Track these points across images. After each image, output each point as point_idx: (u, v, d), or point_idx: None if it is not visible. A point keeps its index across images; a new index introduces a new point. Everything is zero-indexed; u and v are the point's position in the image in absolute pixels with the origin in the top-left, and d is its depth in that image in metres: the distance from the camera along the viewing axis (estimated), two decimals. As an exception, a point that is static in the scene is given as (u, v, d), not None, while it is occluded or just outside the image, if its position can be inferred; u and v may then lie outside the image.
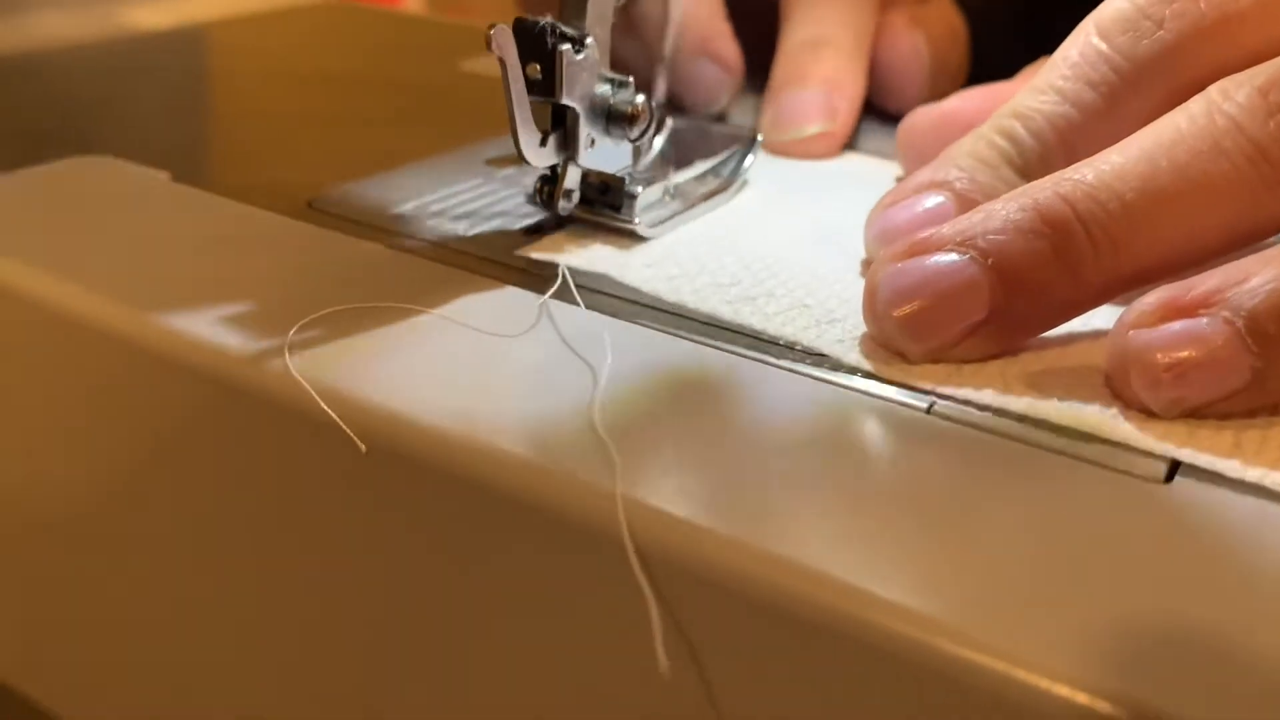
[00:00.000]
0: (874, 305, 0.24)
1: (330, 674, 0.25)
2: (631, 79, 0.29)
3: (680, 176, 0.32)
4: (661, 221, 0.30)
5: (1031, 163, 0.26)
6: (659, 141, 0.32)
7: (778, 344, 0.25)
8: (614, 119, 0.28)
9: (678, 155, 0.34)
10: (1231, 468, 0.20)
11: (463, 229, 0.30)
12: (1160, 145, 0.23)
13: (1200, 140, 0.23)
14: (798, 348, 0.24)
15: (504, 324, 0.25)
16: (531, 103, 0.27)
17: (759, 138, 0.34)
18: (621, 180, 0.30)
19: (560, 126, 0.28)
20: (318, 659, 0.25)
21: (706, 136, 0.36)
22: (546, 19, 0.27)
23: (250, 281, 0.27)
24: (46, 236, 0.29)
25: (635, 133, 0.29)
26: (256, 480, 0.25)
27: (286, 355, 0.23)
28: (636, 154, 0.30)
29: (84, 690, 0.30)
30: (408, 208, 0.31)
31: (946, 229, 0.23)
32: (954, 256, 0.23)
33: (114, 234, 0.29)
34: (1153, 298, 0.22)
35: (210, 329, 0.25)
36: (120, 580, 0.28)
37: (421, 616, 0.23)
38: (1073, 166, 0.24)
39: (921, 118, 0.33)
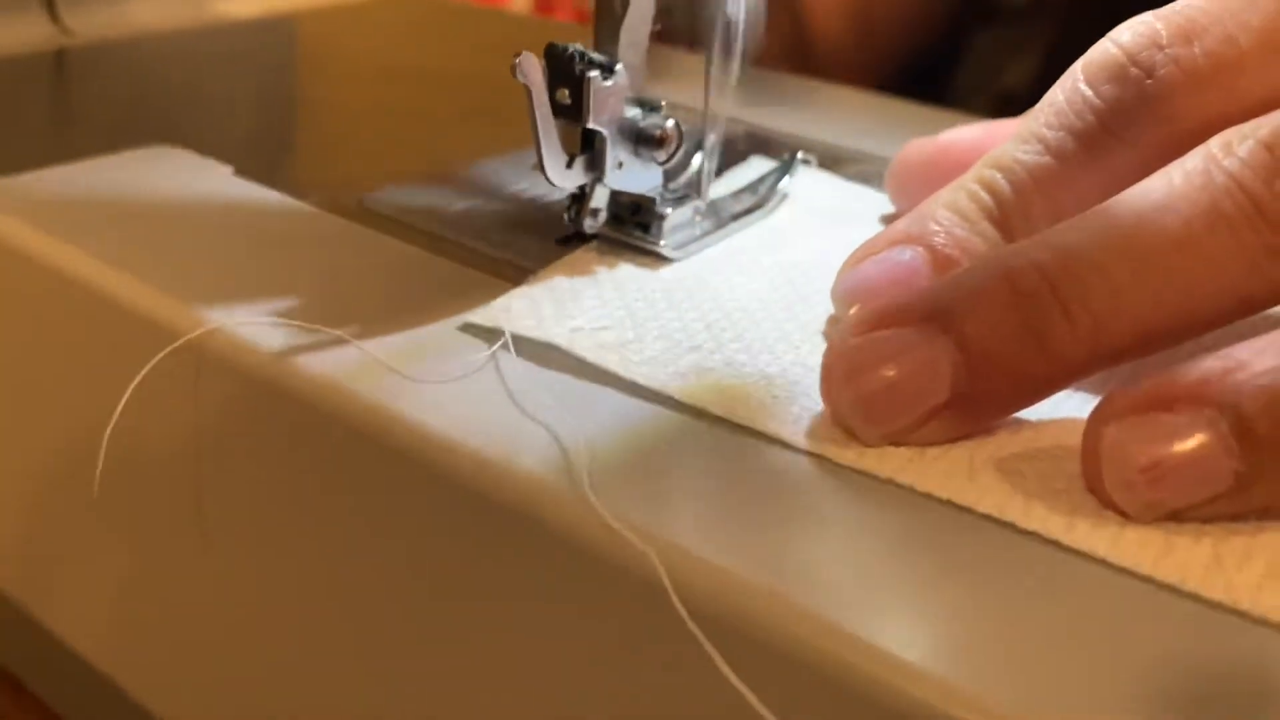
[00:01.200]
0: (828, 384, 0.22)
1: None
2: (663, 103, 0.30)
3: (713, 195, 0.33)
4: (690, 242, 0.31)
5: (1012, 218, 0.25)
6: (697, 158, 0.33)
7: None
8: (643, 141, 0.29)
9: (718, 170, 0.35)
10: (1213, 587, 0.19)
11: (502, 236, 0.31)
12: (1149, 205, 0.21)
13: (1195, 200, 0.21)
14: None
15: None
16: (562, 125, 0.28)
17: (800, 156, 0.35)
18: (652, 200, 0.30)
19: (589, 149, 0.29)
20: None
21: (748, 151, 0.37)
22: (576, 46, 0.28)
23: (275, 281, 0.28)
24: (100, 226, 0.30)
25: (663, 155, 0.29)
26: (301, 485, 0.26)
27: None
28: (670, 173, 0.31)
29: (176, 688, 0.32)
30: (457, 209, 0.33)
31: (906, 299, 0.22)
32: (912, 333, 0.21)
33: (162, 227, 0.31)
34: (1129, 389, 0.20)
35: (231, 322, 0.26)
36: (212, 581, 0.30)
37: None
38: (1052, 229, 0.22)
39: (914, 152, 0.32)
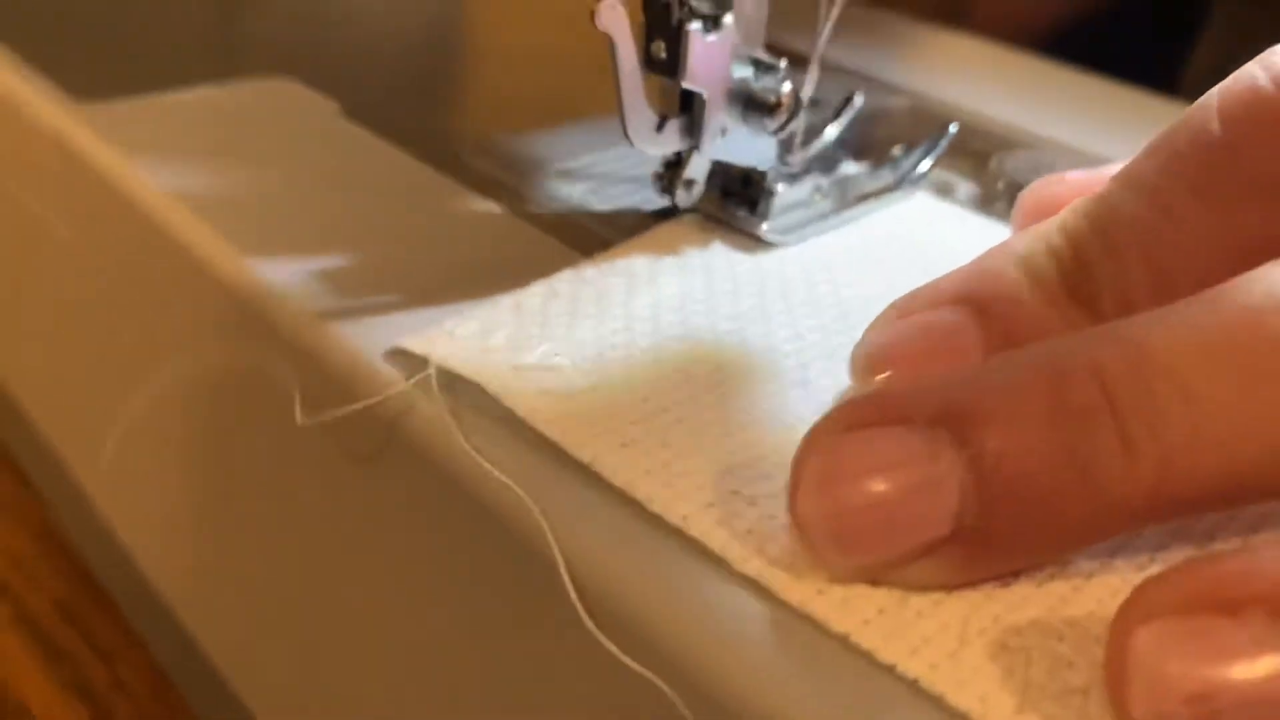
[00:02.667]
0: (795, 489, 0.17)
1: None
2: (783, 62, 0.26)
3: (842, 172, 0.29)
4: (800, 227, 0.27)
5: (1102, 289, 0.19)
6: (833, 130, 0.29)
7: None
8: (752, 107, 0.26)
9: (860, 143, 0.31)
10: None
11: (597, 201, 0.28)
12: (1273, 299, 0.15)
13: None
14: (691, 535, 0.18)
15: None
16: (659, 82, 0.25)
17: (952, 128, 0.30)
18: (763, 174, 0.27)
19: (688, 111, 0.25)
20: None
21: (898, 121, 0.33)
22: (675, -10, 0.24)
23: (350, 236, 0.26)
24: (182, 159, 0.29)
25: (774, 125, 0.26)
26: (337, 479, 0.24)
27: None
28: (792, 143, 0.27)
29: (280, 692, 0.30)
30: (558, 168, 0.30)
31: (918, 388, 0.17)
32: (916, 437, 0.16)
33: (241, 166, 0.29)
34: (1172, 573, 0.15)
35: (286, 281, 0.24)
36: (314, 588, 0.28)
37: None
38: (1134, 318, 0.16)
39: (1045, 192, 0.25)
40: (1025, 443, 0.16)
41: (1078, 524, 0.16)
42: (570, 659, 0.19)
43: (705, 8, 0.24)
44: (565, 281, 0.24)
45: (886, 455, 0.16)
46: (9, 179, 0.35)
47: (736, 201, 0.27)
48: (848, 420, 0.17)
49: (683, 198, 0.26)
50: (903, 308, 0.21)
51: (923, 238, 0.27)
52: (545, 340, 0.22)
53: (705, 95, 0.25)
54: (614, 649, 0.17)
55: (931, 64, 0.39)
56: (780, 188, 0.27)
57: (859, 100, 0.30)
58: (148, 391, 0.31)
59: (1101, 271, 0.19)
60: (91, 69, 0.34)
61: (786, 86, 0.26)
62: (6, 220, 0.36)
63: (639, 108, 0.24)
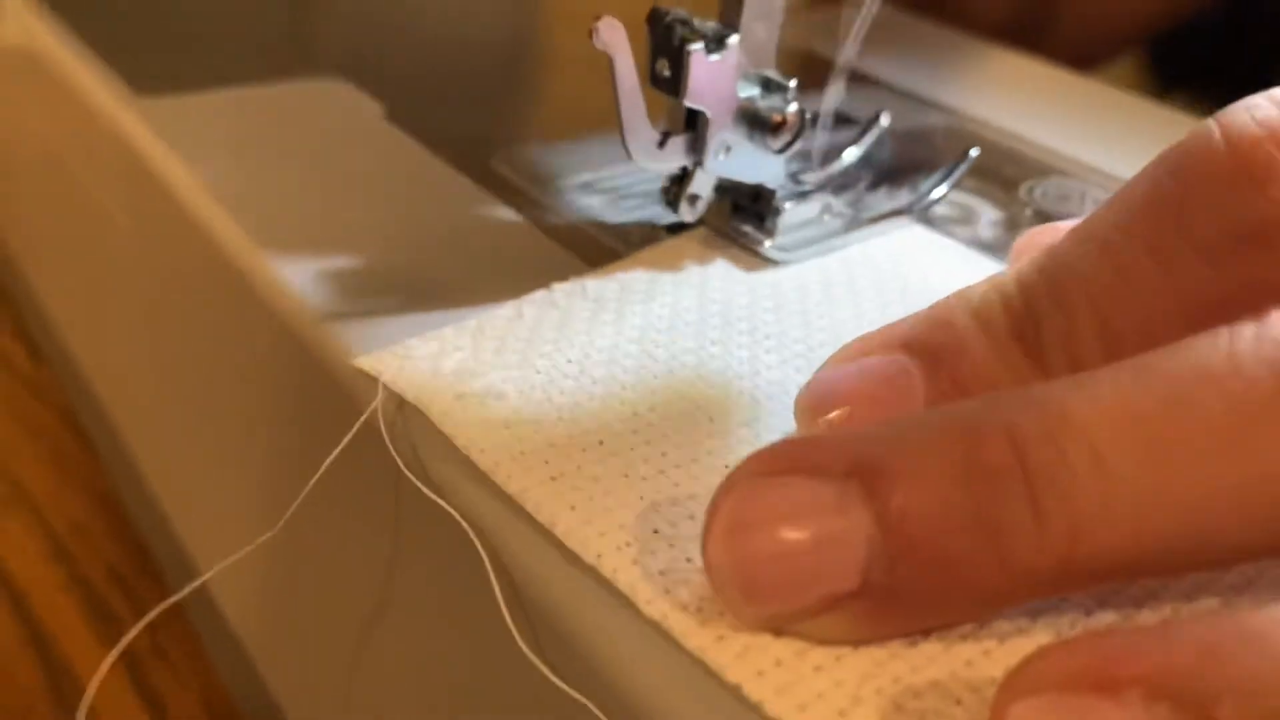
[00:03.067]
0: (706, 533, 0.16)
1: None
2: (793, 83, 0.26)
3: (858, 192, 0.29)
4: (805, 245, 0.27)
5: (1051, 344, 0.18)
6: (852, 152, 0.29)
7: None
8: (757, 125, 0.26)
9: (896, 162, 0.31)
10: None
11: (614, 213, 0.29)
12: (1195, 371, 0.15)
13: (1261, 379, 0.15)
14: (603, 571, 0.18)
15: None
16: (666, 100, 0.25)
17: (973, 152, 0.30)
18: (773, 192, 0.27)
19: (692, 128, 0.26)
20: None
21: (935, 141, 0.33)
22: (680, 12, 0.25)
23: (364, 236, 0.27)
24: (228, 155, 0.30)
25: (778, 144, 0.26)
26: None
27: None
28: (809, 161, 0.28)
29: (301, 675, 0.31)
30: (581, 179, 0.31)
31: (833, 441, 0.16)
32: (828, 489, 0.16)
33: (281, 165, 0.30)
34: (1061, 646, 0.14)
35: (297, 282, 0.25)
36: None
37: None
38: (1057, 381, 0.16)
39: (1037, 239, 0.24)
40: (932, 502, 0.15)
41: (984, 588, 0.16)
42: (512, 677, 0.19)
43: (708, 29, 0.25)
44: (533, 304, 0.24)
45: (797, 505, 0.16)
46: (79, 168, 0.37)
47: (745, 218, 0.27)
48: (765, 466, 0.17)
49: (687, 212, 0.27)
50: (853, 350, 0.21)
51: (913, 271, 0.27)
52: (498, 367, 0.22)
53: (709, 114, 0.25)
54: (540, 664, 0.18)
55: (980, 84, 0.38)
56: (788, 205, 0.27)
57: (885, 120, 0.30)
58: (194, 380, 0.32)
59: (1051, 326, 0.19)
60: (160, 63, 0.36)
61: (793, 107, 0.26)
62: (80, 207, 0.38)
63: (638, 125, 0.25)
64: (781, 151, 0.26)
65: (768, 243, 0.27)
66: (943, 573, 0.16)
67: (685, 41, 0.24)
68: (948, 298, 0.21)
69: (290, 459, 0.26)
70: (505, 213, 0.29)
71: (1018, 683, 0.14)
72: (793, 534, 0.16)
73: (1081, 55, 0.49)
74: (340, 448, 0.22)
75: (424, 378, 0.22)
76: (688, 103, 0.25)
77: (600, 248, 0.27)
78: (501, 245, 0.28)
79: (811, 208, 0.27)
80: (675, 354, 0.23)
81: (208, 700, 0.36)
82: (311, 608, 0.27)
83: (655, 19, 0.25)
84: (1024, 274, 0.20)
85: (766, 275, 0.26)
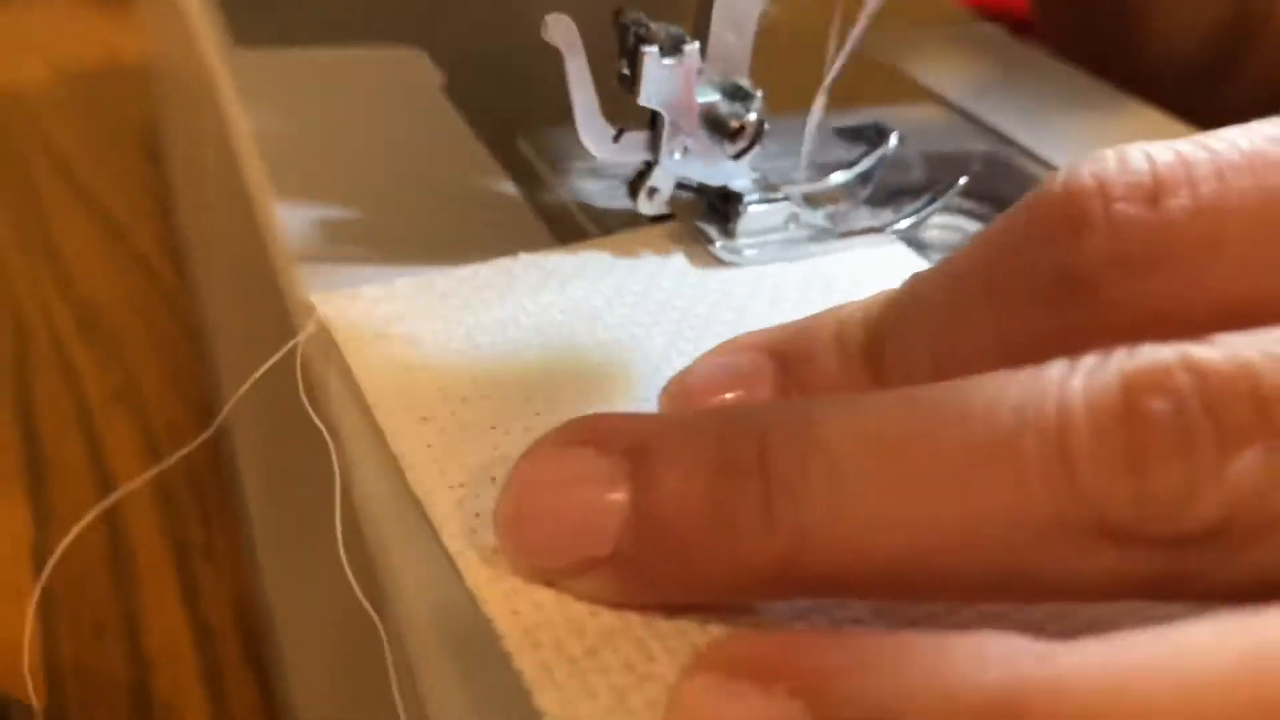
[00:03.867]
0: (502, 493, 0.18)
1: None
2: (759, 94, 0.27)
3: (840, 205, 0.29)
4: (762, 250, 0.28)
5: (892, 367, 0.20)
6: (841, 172, 0.30)
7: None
8: (716, 129, 0.27)
9: (893, 184, 0.31)
10: None
11: (607, 200, 0.31)
12: (954, 405, 0.16)
13: (1000, 421, 0.15)
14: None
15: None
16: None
17: (961, 180, 0.30)
18: (739, 195, 0.28)
19: (653, 126, 0.27)
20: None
21: (948, 168, 0.33)
22: (637, 16, 0.26)
23: (375, 196, 0.30)
24: (289, 109, 0.34)
25: (734, 149, 0.27)
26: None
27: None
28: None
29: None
30: (590, 164, 0.32)
31: (626, 422, 0.18)
32: (603, 461, 0.17)
33: (328, 123, 0.33)
34: (730, 638, 0.16)
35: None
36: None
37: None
38: (822, 398, 0.17)
39: None
40: (681, 489, 0.17)
41: (715, 577, 0.17)
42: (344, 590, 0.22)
43: (666, 33, 0.26)
44: (491, 268, 0.26)
45: (573, 473, 0.18)
46: (183, 113, 0.41)
47: (713, 217, 0.29)
48: (562, 436, 0.18)
49: (645, 205, 0.28)
50: (724, 348, 0.22)
51: (872, 289, 0.27)
52: (428, 318, 0.24)
53: (664, 114, 0.27)
54: (350, 575, 0.20)
55: (1073, 127, 0.38)
56: (752, 210, 0.28)
57: (893, 142, 0.30)
58: (233, 310, 0.36)
59: (892, 349, 0.20)
60: (266, 18, 0.39)
61: (752, 115, 0.27)
62: (190, 152, 0.42)
63: (590, 118, 0.26)
64: (738, 156, 0.27)
65: (719, 242, 0.28)
66: (680, 556, 0.17)
67: (640, 43, 0.26)
68: (823, 313, 0.22)
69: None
70: (508, 188, 0.31)
71: (700, 660, 0.16)
72: (562, 498, 0.18)
73: None
74: (265, 367, 0.24)
75: (358, 317, 0.24)
76: (641, 102, 0.26)
77: (579, 229, 0.29)
78: (494, 219, 0.30)
79: (776, 215, 0.28)
80: (595, 330, 0.25)
81: (238, 598, 0.40)
82: (252, 510, 0.30)
83: (617, 20, 0.26)
84: (889, 296, 0.21)
85: (721, 273, 0.27)
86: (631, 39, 0.26)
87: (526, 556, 0.18)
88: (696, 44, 0.26)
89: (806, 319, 0.22)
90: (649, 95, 0.26)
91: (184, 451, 0.26)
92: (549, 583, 0.18)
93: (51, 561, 0.26)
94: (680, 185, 0.28)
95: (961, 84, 0.40)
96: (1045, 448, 0.15)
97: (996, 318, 0.18)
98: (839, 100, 0.34)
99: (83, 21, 0.78)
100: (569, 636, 0.18)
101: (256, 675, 0.37)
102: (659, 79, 0.26)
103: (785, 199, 0.28)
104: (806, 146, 0.29)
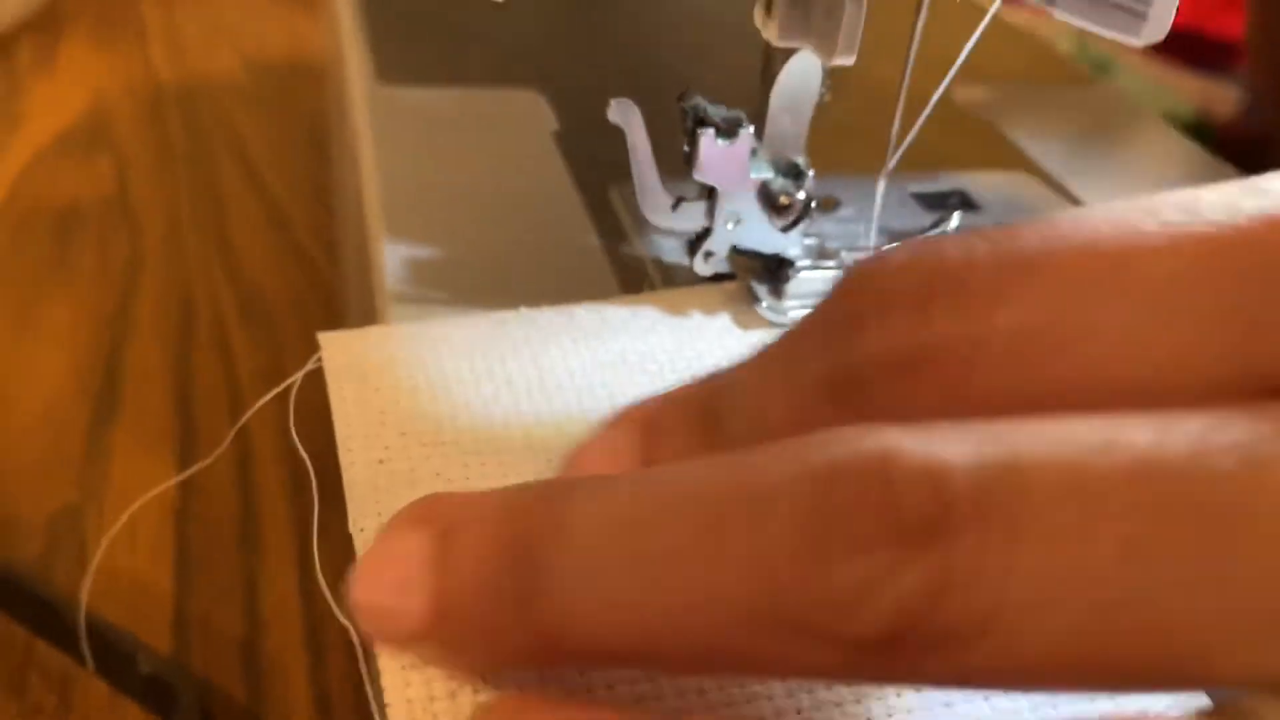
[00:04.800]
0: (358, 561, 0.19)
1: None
2: (810, 173, 0.30)
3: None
4: (804, 310, 0.30)
5: (710, 434, 0.20)
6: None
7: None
8: (766, 204, 0.30)
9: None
10: None
11: (674, 257, 0.33)
12: (687, 487, 0.16)
13: (720, 512, 0.15)
14: None
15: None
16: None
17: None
18: (791, 261, 0.31)
19: (709, 197, 0.30)
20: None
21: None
22: (698, 100, 0.29)
23: (468, 238, 0.33)
24: (407, 146, 0.37)
25: (783, 222, 0.30)
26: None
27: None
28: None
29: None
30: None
31: (448, 501, 0.19)
32: (423, 539, 0.18)
33: (445, 161, 0.37)
34: (496, 704, 0.17)
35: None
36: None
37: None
38: (590, 479, 0.18)
39: None
40: (472, 565, 0.18)
41: (502, 652, 0.18)
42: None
43: (723, 117, 0.29)
44: (519, 317, 0.28)
45: (399, 552, 0.18)
46: (337, 123, 0.45)
47: (767, 277, 0.31)
48: (405, 514, 0.19)
49: (700, 266, 0.31)
50: (609, 419, 0.22)
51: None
52: (420, 367, 0.26)
53: (718, 188, 0.29)
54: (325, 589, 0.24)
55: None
56: (803, 275, 0.31)
57: (955, 221, 0.33)
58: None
59: (712, 420, 0.20)
60: (411, 59, 0.43)
61: (800, 194, 0.29)
62: (339, 158, 0.47)
63: (651, 189, 0.29)
64: (786, 229, 0.30)
65: (765, 303, 0.30)
66: (471, 629, 0.18)
67: (698, 125, 0.29)
68: (696, 378, 0.22)
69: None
70: (590, 239, 0.34)
71: None
72: (388, 574, 0.18)
73: None
74: (261, 403, 0.27)
75: (352, 358, 0.26)
76: (696, 178, 0.29)
77: (645, 283, 0.32)
78: (570, 266, 0.33)
79: (827, 280, 0.31)
80: (590, 387, 0.27)
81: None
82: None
83: (679, 101, 0.29)
84: (728, 368, 0.21)
85: (763, 334, 0.30)
86: (690, 121, 0.29)
87: (364, 624, 0.19)
88: (751, 128, 0.29)
89: (678, 388, 0.22)
90: (703, 172, 0.29)
91: (218, 450, 0.30)
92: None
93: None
94: (737, 250, 0.31)
95: (1060, 152, 0.41)
96: (752, 535, 0.15)
97: (789, 406, 0.18)
98: (928, 159, 0.36)
99: (273, 14, 0.85)
100: (420, 683, 0.20)
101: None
102: (712, 158, 0.29)
103: (837, 267, 0.31)
104: (876, 212, 0.31)
